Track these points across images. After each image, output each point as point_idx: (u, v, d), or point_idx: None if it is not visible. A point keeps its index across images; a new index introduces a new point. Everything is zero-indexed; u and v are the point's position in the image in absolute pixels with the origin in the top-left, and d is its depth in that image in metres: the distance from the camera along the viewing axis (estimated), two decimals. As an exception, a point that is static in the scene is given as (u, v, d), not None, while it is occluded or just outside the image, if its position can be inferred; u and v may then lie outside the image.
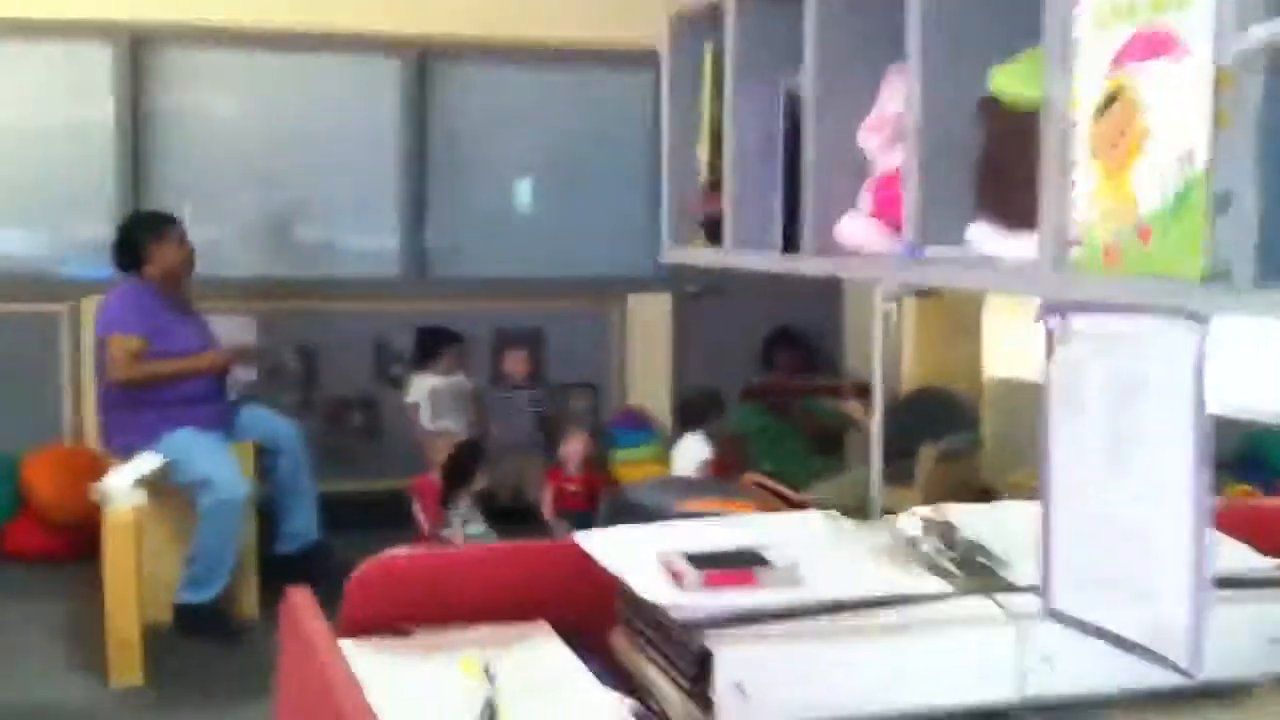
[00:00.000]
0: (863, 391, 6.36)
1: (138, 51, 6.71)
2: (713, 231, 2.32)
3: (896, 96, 1.77)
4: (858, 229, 1.88)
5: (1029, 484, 2.34)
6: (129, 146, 6.72)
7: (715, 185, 2.29)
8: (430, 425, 6.74)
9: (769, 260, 2.10)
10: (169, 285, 5.55)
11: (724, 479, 5.97)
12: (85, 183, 6.77)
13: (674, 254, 2.55)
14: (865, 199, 1.92)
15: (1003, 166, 1.54)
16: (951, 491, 4.72)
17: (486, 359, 7.21)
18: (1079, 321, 1.62)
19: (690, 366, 7.41)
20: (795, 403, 7.02)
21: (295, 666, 1.95)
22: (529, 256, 7.44)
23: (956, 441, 6.31)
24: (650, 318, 7.48)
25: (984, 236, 1.57)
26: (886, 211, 1.81)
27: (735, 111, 2.24)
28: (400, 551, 2.09)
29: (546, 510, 6.59)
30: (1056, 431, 1.66)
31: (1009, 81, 1.52)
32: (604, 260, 7.50)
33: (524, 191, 7.57)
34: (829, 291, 7.63)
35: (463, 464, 6.05)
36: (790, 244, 2.03)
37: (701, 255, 2.42)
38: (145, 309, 5.46)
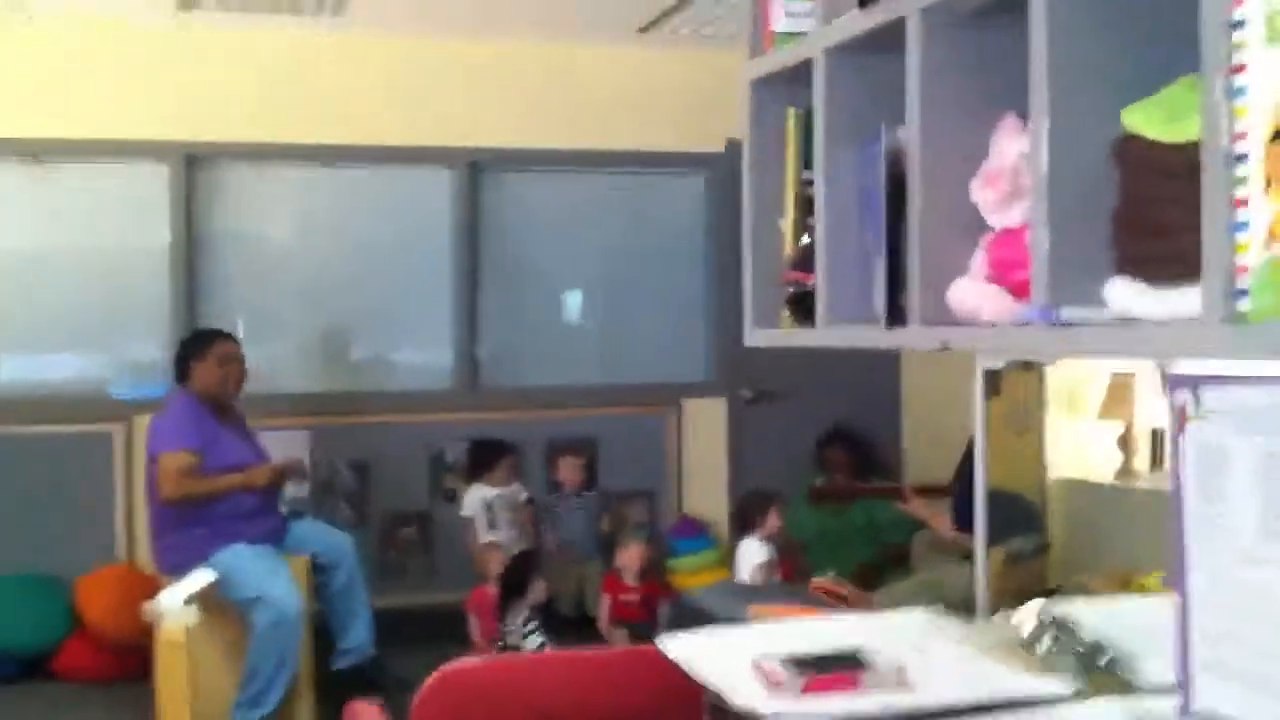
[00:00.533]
0: (924, 492, 6.21)
1: (192, 170, 6.73)
2: (801, 309, 2.17)
3: (1012, 147, 1.63)
4: (972, 294, 1.71)
5: (1095, 587, 2.19)
6: (184, 265, 6.70)
7: (803, 260, 2.14)
8: (485, 538, 6.63)
9: (871, 335, 1.95)
10: (213, 400, 5.49)
11: (789, 584, 5.83)
12: (140, 302, 6.75)
13: (758, 337, 2.38)
14: (979, 261, 1.77)
15: (1145, 214, 1.40)
16: (1019, 595, 4.56)
17: (540, 469, 7.10)
18: (1214, 396, 1.49)
19: (746, 471, 7.28)
20: (853, 506, 6.87)
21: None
22: (581, 364, 7.38)
23: (1023, 543, 6.12)
24: (705, 423, 7.38)
25: (1125, 294, 1.42)
26: (1005, 274, 1.66)
27: (827, 174, 2.10)
28: (470, 660, 1.96)
29: (603, 621, 6.44)
30: (1192, 516, 1.52)
31: (1148, 119, 1.38)
32: (657, 367, 7.43)
33: (575, 299, 7.51)
34: (885, 390, 7.52)
35: (519, 575, 5.94)
36: (895, 316, 1.88)
37: (790, 336, 2.26)
38: (195, 423, 5.40)
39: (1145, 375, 5.31)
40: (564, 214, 7.34)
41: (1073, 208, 1.50)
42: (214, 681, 5.08)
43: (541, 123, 7.06)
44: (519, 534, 6.71)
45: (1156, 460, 5.36)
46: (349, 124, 6.81)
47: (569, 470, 7.01)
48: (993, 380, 5.42)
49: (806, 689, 1.73)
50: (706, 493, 7.34)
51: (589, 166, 7.29)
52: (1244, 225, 1.16)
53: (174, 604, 4.91)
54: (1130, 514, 5.19)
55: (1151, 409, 5.29)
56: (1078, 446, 5.51)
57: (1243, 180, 1.17)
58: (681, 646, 1.91)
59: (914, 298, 1.84)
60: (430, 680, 1.90)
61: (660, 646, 1.91)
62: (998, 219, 1.71)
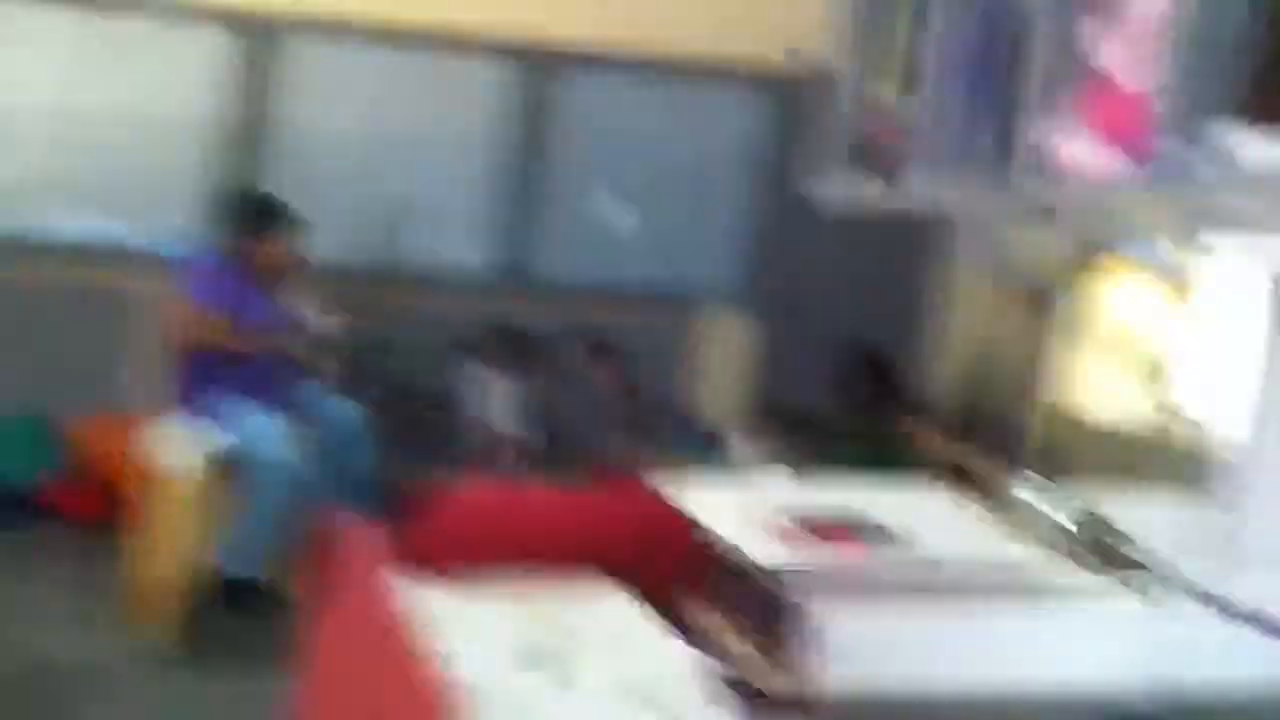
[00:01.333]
0: (946, 427, 6.16)
1: (252, 41, 6.68)
2: (891, 172, 1.98)
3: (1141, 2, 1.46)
4: (1088, 152, 1.55)
5: None
6: (232, 133, 6.68)
7: (900, 120, 1.95)
8: (499, 429, 6.57)
9: (974, 199, 1.78)
10: (259, 272, 5.47)
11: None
12: (180, 168, 6.69)
13: (844, 196, 2.14)
14: (1094, 119, 1.59)
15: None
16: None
17: (567, 365, 7.04)
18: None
19: (770, 387, 7.21)
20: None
21: (348, 607, 1.74)
22: (614, 268, 7.35)
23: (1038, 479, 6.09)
24: (731, 336, 7.30)
25: (1261, 151, 1.27)
26: (1121, 133, 1.50)
27: (939, 27, 1.91)
28: (464, 490, 1.88)
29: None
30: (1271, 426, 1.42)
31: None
32: (686, 278, 7.39)
33: (619, 203, 7.46)
34: (909, 315, 7.43)
35: (526, 468, 5.91)
36: (1001, 176, 1.71)
37: (884, 197, 2.05)
38: (230, 284, 5.37)
39: (1179, 329, 5.23)
40: (619, 120, 7.30)
41: (1206, 61, 1.36)
42: (210, 537, 5.04)
43: (602, 20, 6.95)
44: (539, 428, 6.64)
45: (1176, 416, 5.28)
46: (413, 6, 6.73)
47: (605, 372, 6.93)
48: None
49: (814, 543, 1.65)
50: (726, 405, 7.28)
51: (648, 74, 7.23)
52: None
53: (176, 453, 4.88)
54: (1148, 461, 5.12)
55: (1182, 364, 5.22)
56: (1107, 390, 5.44)
57: None
58: (684, 491, 1.83)
59: (1024, 158, 1.68)
60: (430, 503, 1.83)
61: (656, 487, 1.83)
62: (1121, 74, 1.54)
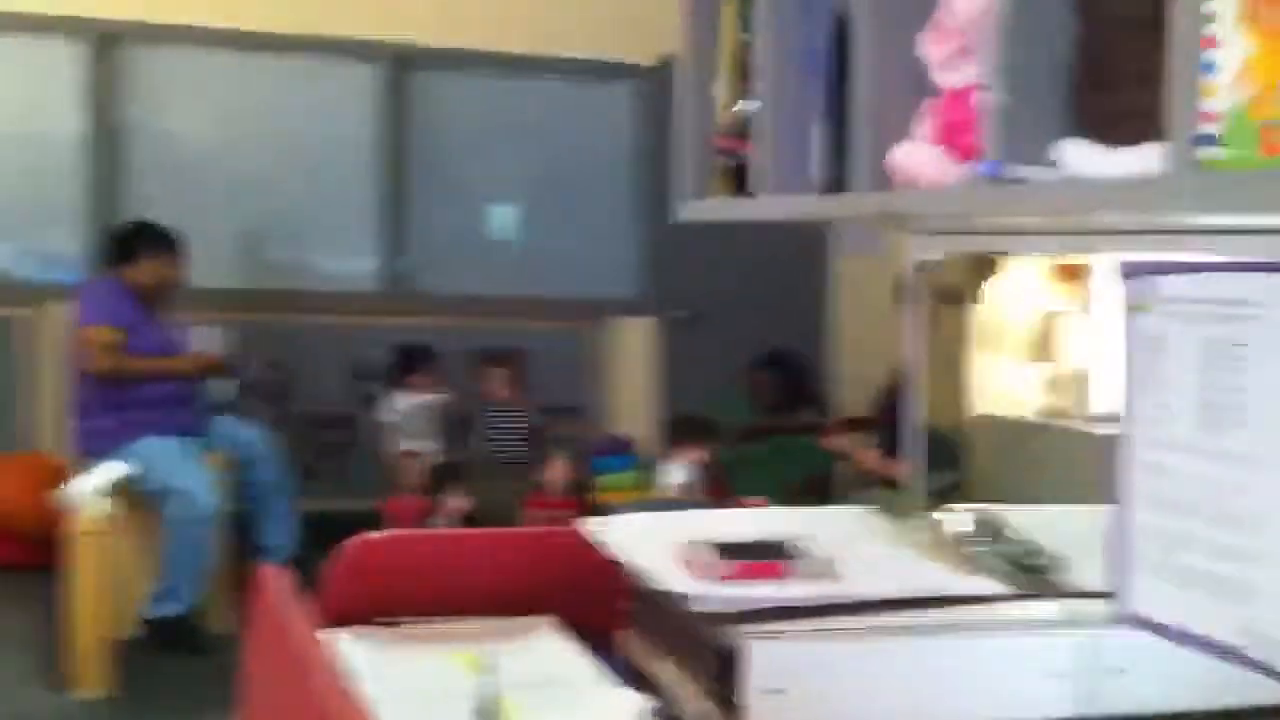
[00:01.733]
0: (853, 425, 6.20)
1: (107, 52, 6.51)
2: (736, 181, 2.07)
3: (965, 2, 1.53)
4: (917, 159, 1.62)
5: None
6: (99, 152, 6.52)
7: (739, 129, 2.05)
8: (404, 445, 6.55)
9: (810, 204, 1.86)
10: (148, 295, 5.38)
11: (716, 503, 5.80)
12: (51, 189, 6.56)
13: (692, 209, 2.26)
14: (926, 124, 1.66)
15: (1104, 67, 1.33)
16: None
17: (466, 378, 7.00)
18: (1159, 284, 1.44)
19: (674, 391, 7.24)
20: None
21: (267, 654, 1.75)
22: (511, 275, 7.26)
23: (942, 479, 6.12)
24: (633, 341, 7.31)
25: (1080, 155, 1.34)
26: (952, 137, 1.57)
27: (771, 33, 1.97)
28: (384, 533, 1.88)
29: (524, 535, 6.38)
30: (1135, 412, 1.47)
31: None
32: (587, 281, 7.34)
33: (505, 207, 7.38)
34: (813, 315, 7.50)
35: (441, 484, 5.88)
36: (835, 183, 1.79)
37: (725, 207, 2.15)
38: (121, 305, 5.30)
39: (1073, 317, 5.33)
40: (492, 119, 7.20)
41: (1027, 63, 1.41)
42: (127, 577, 4.98)
43: (471, 21, 6.90)
44: (438, 443, 6.63)
45: (1080, 402, 5.38)
46: (274, 11, 6.61)
47: (496, 381, 6.91)
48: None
49: (734, 575, 1.68)
50: (633, 411, 7.30)
51: (524, 71, 7.15)
52: (1211, 66, 1.09)
53: (86, 493, 4.80)
54: (1049, 452, 5.21)
55: (1077, 351, 5.31)
56: (1002, 385, 5.53)
57: (1211, 18, 1.09)
58: (604, 528, 1.85)
59: (857, 163, 1.74)
60: (347, 546, 1.83)
61: (581, 527, 1.85)
62: (946, 78, 1.61)
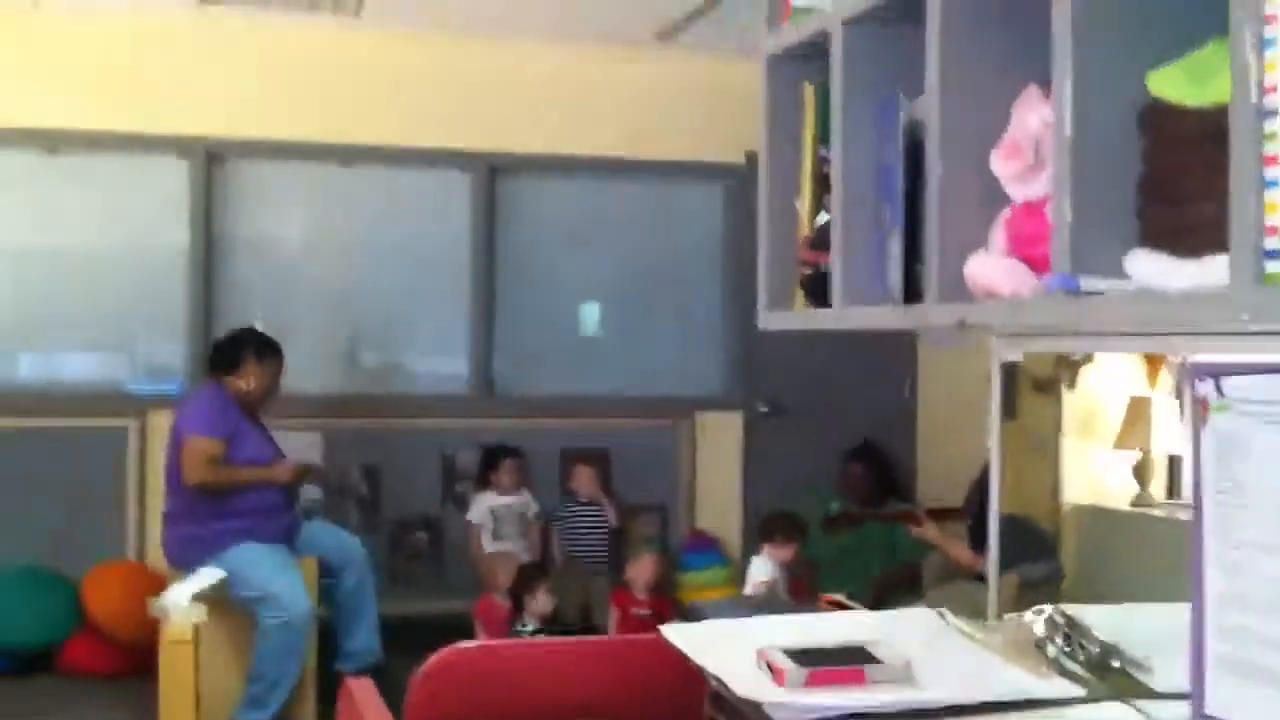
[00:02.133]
0: (941, 515, 6.16)
1: (211, 167, 6.71)
2: (816, 290, 2.13)
3: (1034, 117, 1.59)
4: (991, 269, 1.66)
5: None
6: (202, 264, 6.70)
7: (819, 239, 2.10)
8: (490, 547, 6.60)
9: (887, 314, 1.90)
10: (247, 402, 5.49)
11: (798, 599, 5.77)
12: (156, 301, 6.74)
13: (772, 319, 2.32)
14: (998, 235, 1.72)
15: (1170, 182, 1.36)
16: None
17: (554, 478, 7.06)
18: (1235, 385, 1.45)
19: (759, 487, 7.24)
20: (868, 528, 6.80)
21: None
22: (596, 373, 7.33)
23: (1036, 570, 6.05)
24: (719, 437, 7.34)
25: (1149, 266, 1.37)
26: (1024, 248, 1.61)
27: (846, 147, 2.04)
28: (470, 643, 1.93)
29: (611, 634, 6.39)
30: (1210, 509, 1.48)
31: (1175, 83, 1.34)
32: (671, 378, 7.39)
33: (592, 308, 7.48)
34: (901, 407, 7.47)
35: (527, 584, 5.92)
36: (911, 293, 1.84)
37: (806, 317, 2.21)
38: (224, 414, 5.42)
39: (1160, 401, 5.28)
40: (581, 222, 7.33)
41: (1096, 177, 1.45)
42: (219, 680, 5.06)
43: (560, 128, 7.05)
44: (524, 545, 6.68)
45: (1173, 489, 5.31)
46: (367, 124, 6.80)
47: (583, 479, 6.95)
48: (1009, 401, 5.35)
49: (810, 681, 1.69)
50: (719, 508, 7.31)
51: (607, 174, 7.27)
52: (1275, 183, 1.12)
53: (181, 601, 4.88)
54: (1145, 543, 5.12)
55: (1169, 435, 5.26)
56: (1093, 473, 5.47)
57: (1272, 136, 1.12)
58: (686, 636, 1.88)
59: (931, 274, 1.79)
60: (432, 659, 1.87)
61: (663, 635, 1.88)
62: (1018, 191, 1.66)
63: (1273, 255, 1.11)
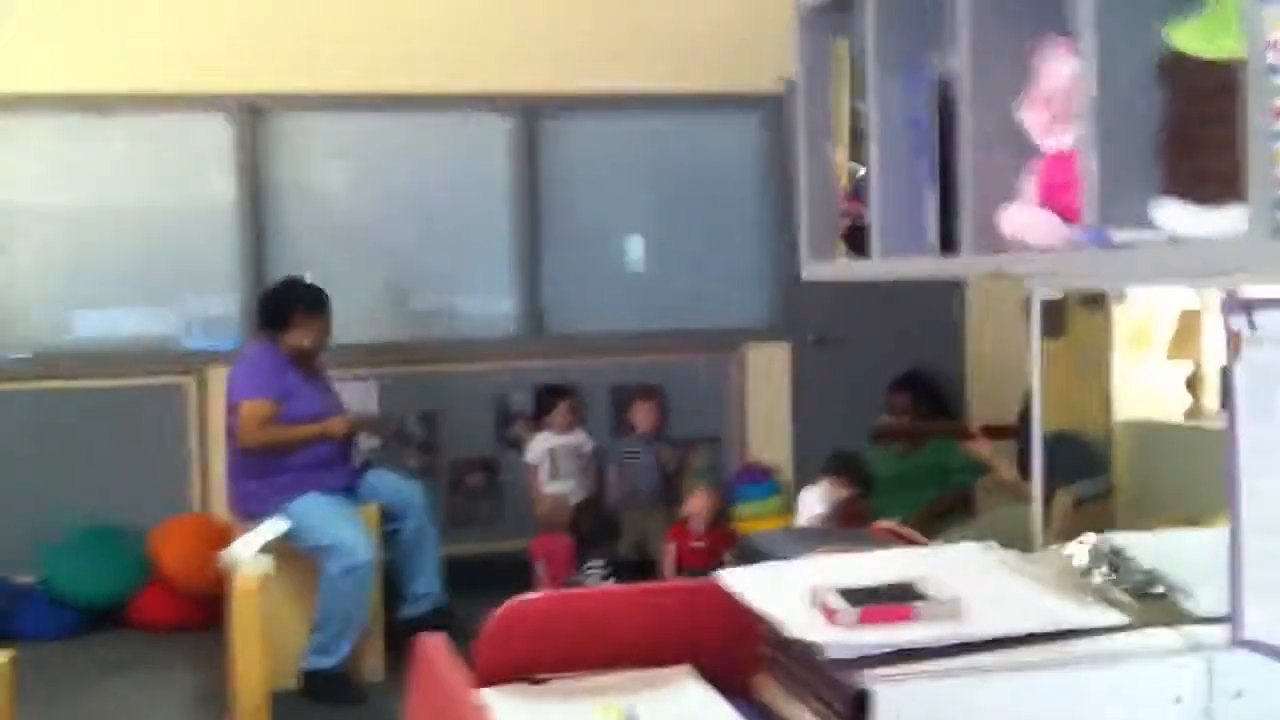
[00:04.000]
0: (994, 433, 6.16)
1: (252, 122, 6.77)
2: (855, 241, 2.17)
3: (1059, 71, 1.62)
4: (1023, 219, 1.70)
5: (1165, 528, 2.17)
6: (249, 217, 6.77)
7: (857, 192, 2.14)
8: (548, 486, 6.69)
9: (925, 265, 1.94)
10: (301, 356, 5.56)
11: (851, 528, 5.82)
12: (206, 256, 6.82)
13: (814, 270, 2.37)
14: (1029, 186, 1.75)
15: (1192, 133, 1.39)
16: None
17: (607, 415, 7.13)
18: (1267, 318, 1.48)
19: (810, 416, 7.28)
20: (922, 448, 6.82)
21: (429, 716, 1.86)
22: (644, 309, 7.37)
23: (1090, 486, 6.08)
24: (768, 368, 7.37)
25: (1173, 215, 1.41)
26: (1054, 197, 1.65)
27: (879, 103, 2.08)
28: (537, 594, 1.99)
29: (667, 568, 6.46)
30: (1246, 443, 1.51)
31: (1192, 37, 1.37)
32: (719, 311, 7.41)
33: (636, 244, 7.50)
34: (949, 332, 7.48)
35: (600, 526, 6.01)
36: (947, 244, 1.88)
37: (846, 268, 2.26)
38: (276, 373, 5.48)
39: (1211, 313, 5.26)
40: (622, 158, 7.34)
41: (1120, 129, 1.49)
42: (286, 629, 5.17)
43: (596, 66, 7.04)
44: (582, 483, 6.76)
45: (1226, 401, 5.31)
46: (406, 72, 6.82)
47: (643, 415, 7.01)
48: (1057, 319, 5.36)
49: (862, 620, 1.75)
50: (770, 438, 7.35)
51: (645, 109, 7.26)
52: (1283, 136, 1.15)
53: (248, 553, 4.97)
54: (1199, 455, 5.12)
55: (1221, 347, 5.25)
56: (1145, 387, 5.47)
57: (1281, 90, 1.16)
58: (740, 579, 1.94)
59: (966, 225, 1.83)
60: (499, 612, 1.94)
61: (720, 580, 1.94)
62: (1047, 142, 1.70)
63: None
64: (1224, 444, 1.58)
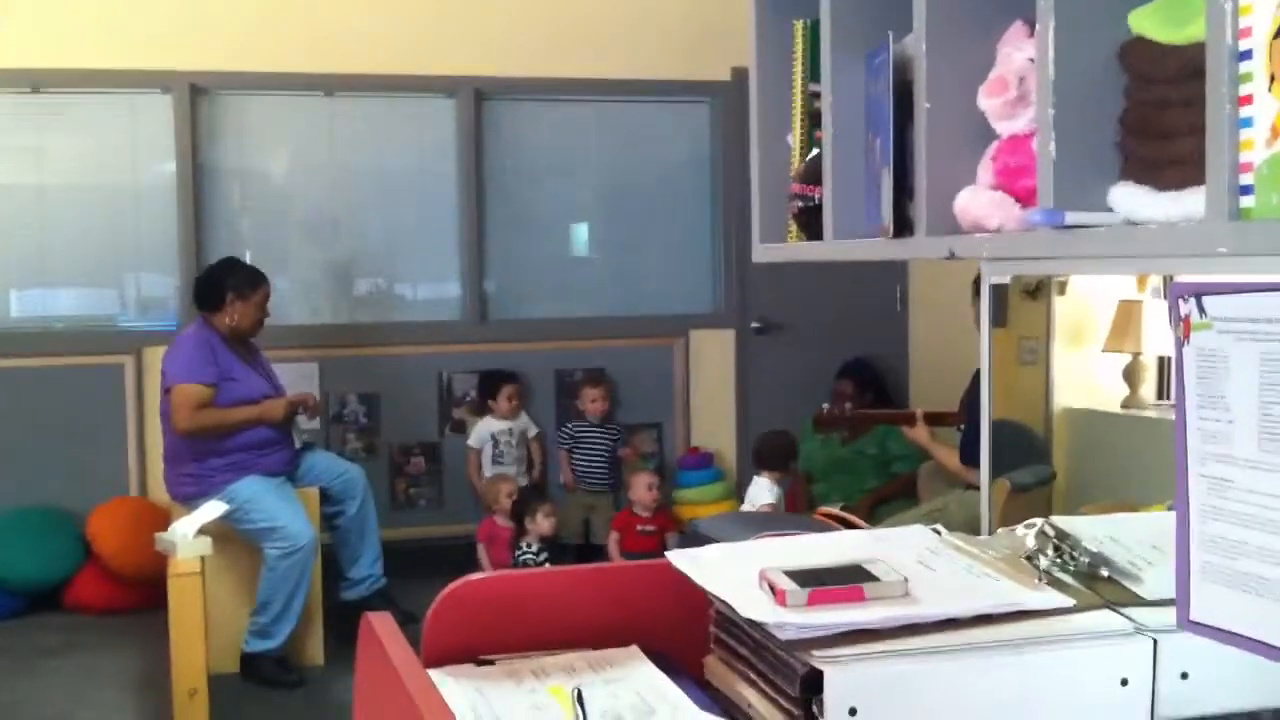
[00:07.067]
0: (936, 419, 6.21)
1: (194, 101, 6.69)
2: (807, 223, 2.17)
3: (1017, 54, 1.63)
4: (979, 202, 1.70)
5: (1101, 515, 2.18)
6: (190, 198, 6.68)
7: (810, 173, 2.14)
8: (490, 470, 6.68)
9: (878, 247, 1.95)
10: (236, 337, 5.50)
11: (795, 515, 5.85)
12: (146, 235, 6.75)
13: (766, 252, 2.37)
14: (985, 169, 1.75)
15: (1150, 118, 1.40)
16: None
17: (550, 400, 7.12)
18: (1216, 304, 1.49)
19: (754, 402, 7.31)
20: (863, 436, 6.86)
21: (377, 697, 1.84)
22: (589, 296, 7.37)
23: (1029, 474, 6.14)
24: (712, 355, 7.38)
25: (1131, 199, 1.41)
26: (1011, 181, 1.65)
27: (834, 85, 2.08)
28: (482, 575, 1.98)
29: (613, 551, 6.48)
30: (1194, 426, 1.52)
31: (1154, 21, 1.38)
32: (664, 298, 7.42)
33: (582, 230, 7.49)
34: (893, 322, 7.52)
35: (528, 506, 6.00)
36: (901, 227, 1.88)
37: (798, 250, 2.25)
38: (211, 356, 5.41)
39: (1151, 304, 5.32)
40: (569, 144, 7.32)
41: (1079, 113, 1.49)
42: (226, 612, 5.14)
43: (545, 51, 7.03)
44: (524, 469, 6.75)
45: (1162, 391, 5.37)
46: (351, 54, 6.78)
47: (593, 400, 7.00)
48: (999, 309, 5.38)
49: (811, 601, 1.75)
50: (714, 425, 7.37)
51: (594, 95, 7.24)
52: (1247, 122, 1.16)
53: (186, 535, 4.93)
54: (1137, 444, 5.20)
55: (1158, 338, 5.31)
56: (1084, 377, 5.53)
57: (1247, 77, 1.16)
58: (689, 560, 1.93)
59: (921, 207, 1.83)
60: (446, 591, 1.92)
61: (669, 560, 1.93)
62: (1004, 126, 1.70)
63: (1247, 191, 1.16)
64: (1172, 429, 1.58)
